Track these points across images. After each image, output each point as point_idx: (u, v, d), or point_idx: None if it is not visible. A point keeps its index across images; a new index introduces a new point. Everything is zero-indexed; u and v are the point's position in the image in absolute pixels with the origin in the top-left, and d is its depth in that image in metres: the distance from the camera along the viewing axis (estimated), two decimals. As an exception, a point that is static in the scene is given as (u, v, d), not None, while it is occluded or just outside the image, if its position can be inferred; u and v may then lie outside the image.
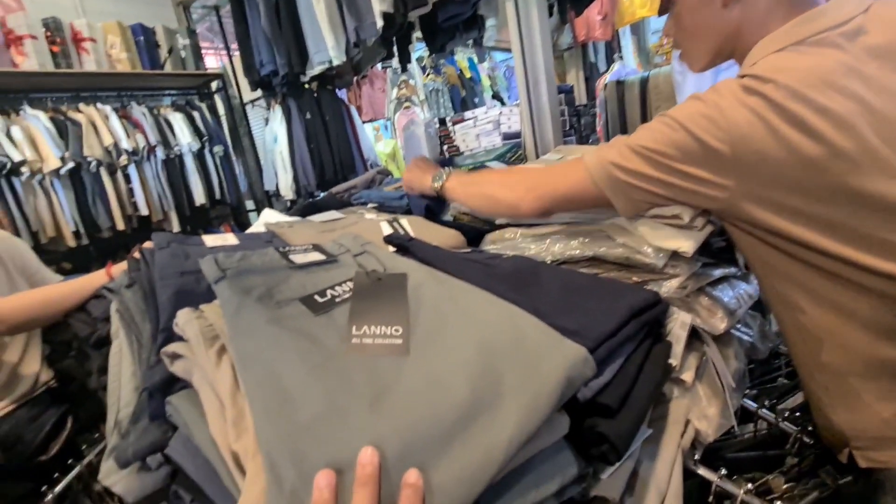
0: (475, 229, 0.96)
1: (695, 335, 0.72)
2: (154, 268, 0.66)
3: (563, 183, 0.71)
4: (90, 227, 2.70)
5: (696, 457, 0.66)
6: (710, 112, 0.58)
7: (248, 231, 1.46)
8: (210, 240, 0.77)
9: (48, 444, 1.12)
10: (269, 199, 3.69)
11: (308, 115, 3.15)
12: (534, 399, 0.36)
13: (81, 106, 2.70)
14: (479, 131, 2.51)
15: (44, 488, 0.90)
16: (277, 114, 3.31)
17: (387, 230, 0.88)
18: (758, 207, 0.59)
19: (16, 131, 2.43)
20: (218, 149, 3.22)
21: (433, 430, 0.33)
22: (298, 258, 0.52)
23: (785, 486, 0.70)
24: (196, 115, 3.12)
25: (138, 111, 2.87)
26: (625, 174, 0.64)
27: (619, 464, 0.48)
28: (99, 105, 2.75)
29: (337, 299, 0.46)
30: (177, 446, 0.45)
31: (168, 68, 3.05)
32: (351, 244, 0.57)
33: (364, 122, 4.22)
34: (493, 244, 0.88)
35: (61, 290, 1.05)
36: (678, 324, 0.68)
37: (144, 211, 2.88)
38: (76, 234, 2.65)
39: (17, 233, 2.44)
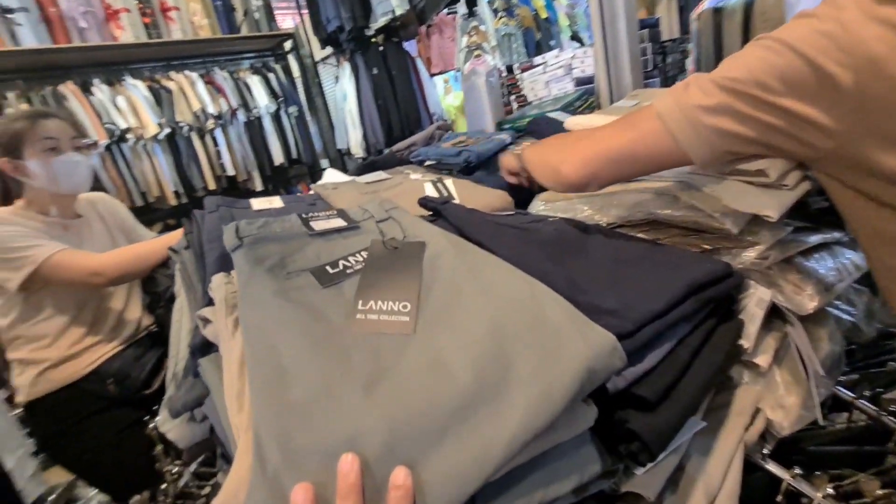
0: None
1: (778, 312, 0.62)
2: (203, 231, 0.70)
3: (621, 137, 0.58)
4: (187, 186, 2.97)
5: (766, 450, 0.58)
6: (828, 28, 0.44)
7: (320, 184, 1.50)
8: (256, 203, 0.79)
9: (151, 379, 1.29)
10: (341, 157, 3.80)
11: (375, 71, 3.13)
12: (545, 392, 0.32)
13: (172, 74, 2.90)
14: (548, 78, 2.32)
15: (147, 417, 1.04)
16: (346, 71, 3.32)
17: (430, 191, 0.84)
18: (882, 152, 0.46)
19: (120, 101, 2.68)
20: (293, 109, 3.32)
21: (428, 419, 0.31)
22: (319, 225, 0.51)
23: (881, 492, 0.59)
24: (271, 76, 3.23)
25: (220, 76, 3.03)
26: (710, 115, 0.51)
27: (660, 459, 0.43)
28: (186, 72, 2.94)
29: (348, 270, 0.44)
30: (209, 404, 0.48)
31: (244, 31, 3.16)
32: (376, 209, 0.55)
33: (434, 75, 4.10)
34: (545, 204, 0.81)
35: (148, 247, 1.17)
36: (754, 300, 0.58)
37: (231, 171, 3.10)
38: (176, 193, 2.93)
39: (128, 193, 2.76)
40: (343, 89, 3.41)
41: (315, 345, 0.36)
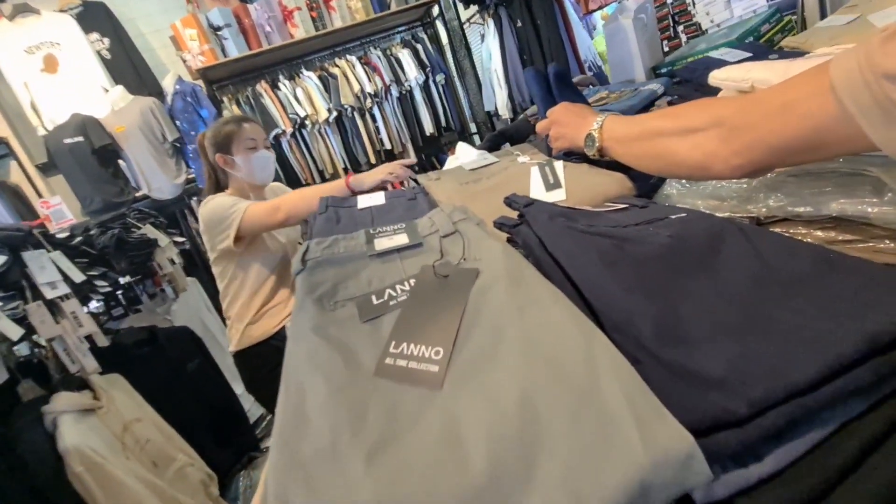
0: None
1: None
2: (312, 231, 0.75)
3: (786, 122, 0.41)
4: (353, 162, 3.32)
5: None
6: None
7: (446, 164, 1.50)
8: (362, 200, 0.81)
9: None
10: (490, 119, 3.75)
11: (519, 23, 2.94)
12: (571, 506, 0.24)
13: (336, 60, 3.21)
14: (732, -6, 1.84)
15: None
16: (490, 28, 3.21)
17: (535, 177, 0.74)
18: None
19: (299, 92, 3.09)
20: (440, 77, 3.37)
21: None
22: (382, 243, 0.49)
23: None
24: (419, 47, 3.31)
25: (375, 55, 3.23)
26: None
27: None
28: (348, 56, 3.21)
29: (392, 302, 0.41)
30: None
31: (393, 6, 3.27)
32: (443, 222, 0.50)
33: (592, 11, 3.65)
34: (680, 188, 0.64)
35: (313, 191, 1.39)
36: None
37: (388, 145, 3.35)
38: (345, 169, 3.31)
39: (311, 172, 3.22)
40: (488, 48, 3.31)
41: (336, 394, 0.34)
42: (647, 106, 1.17)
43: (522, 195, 0.57)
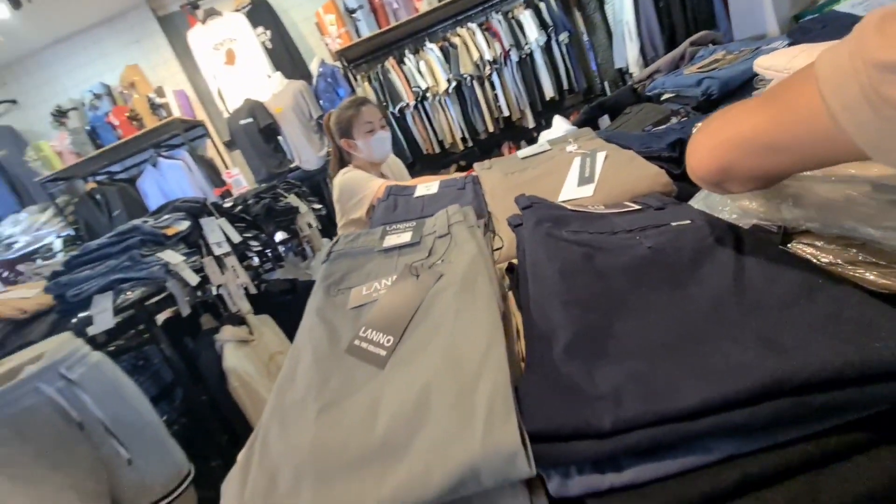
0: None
1: None
2: (374, 218, 0.87)
3: (760, 114, 0.37)
4: (472, 131, 3.40)
5: None
6: None
7: (545, 134, 1.50)
8: (419, 189, 0.90)
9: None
10: (622, 76, 3.44)
11: (655, -35, 2.60)
12: (423, 475, 0.32)
13: (458, 29, 3.26)
14: None
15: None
16: (623, -26, 2.89)
17: (575, 169, 0.74)
18: None
19: (422, 65, 3.25)
20: (563, 36, 3.19)
21: (335, 458, 0.36)
22: (391, 240, 0.58)
23: None
24: (542, 5, 3.16)
25: (495, 19, 3.19)
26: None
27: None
28: (469, 24, 3.23)
29: (375, 294, 0.50)
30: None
31: (518, -36, 3.16)
32: (441, 224, 0.56)
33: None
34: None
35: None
36: None
37: (506, 112, 3.34)
38: (463, 139, 3.41)
39: (432, 143, 3.40)
40: (620, -3, 3.00)
41: (317, 361, 0.46)
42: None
43: (530, 195, 0.60)
